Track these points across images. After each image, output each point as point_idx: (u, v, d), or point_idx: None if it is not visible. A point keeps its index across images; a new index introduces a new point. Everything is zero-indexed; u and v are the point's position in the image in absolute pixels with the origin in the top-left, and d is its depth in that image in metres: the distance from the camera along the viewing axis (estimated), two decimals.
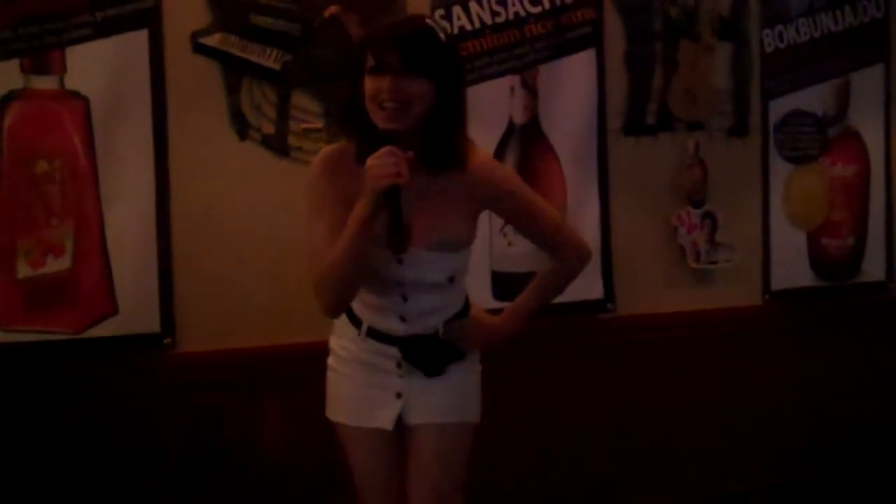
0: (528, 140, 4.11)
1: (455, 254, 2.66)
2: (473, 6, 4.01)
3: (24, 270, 3.38)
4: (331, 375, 2.80)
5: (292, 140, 3.73)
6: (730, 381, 4.47)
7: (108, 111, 3.45)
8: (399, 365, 2.68)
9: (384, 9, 3.80)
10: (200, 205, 3.59)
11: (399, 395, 2.69)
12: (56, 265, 3.41)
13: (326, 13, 3.74)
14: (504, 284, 3.94)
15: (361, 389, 2.72)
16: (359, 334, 2.70)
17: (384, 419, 2.70)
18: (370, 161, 2.39)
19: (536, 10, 4.11)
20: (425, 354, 2.68)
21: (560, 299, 4.06)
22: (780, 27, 4.62)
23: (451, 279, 2.67)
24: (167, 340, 3.56)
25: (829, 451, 4.67)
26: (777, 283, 4.66)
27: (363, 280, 2.56)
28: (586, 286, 4.20)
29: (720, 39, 4.50)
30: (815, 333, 4.67)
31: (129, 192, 3.50)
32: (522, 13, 4.10)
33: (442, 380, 2.71)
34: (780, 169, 4.65)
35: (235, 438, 3.61)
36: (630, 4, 4.31)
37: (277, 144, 3.72)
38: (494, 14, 4.05)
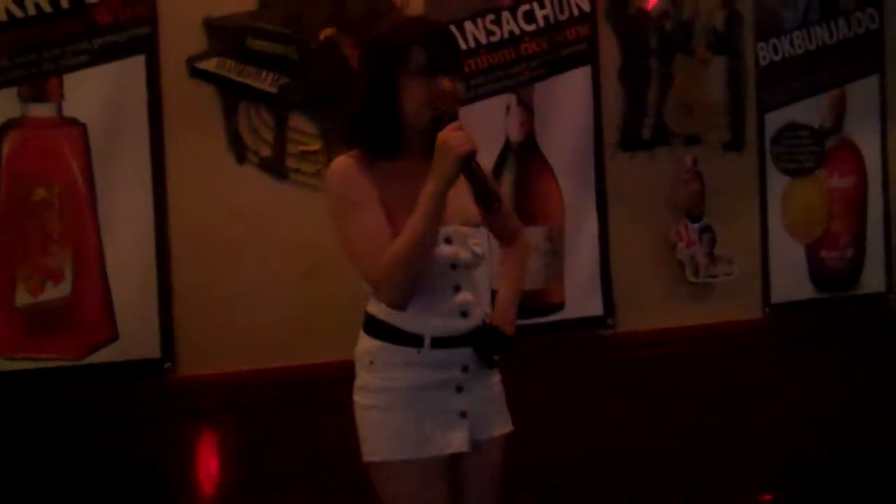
0: (524, 157, 4.12)
1: (478, 229, 2.69)
2: (468, 25, 4.02)
3: (23, 298, 3.39)
4: (372, 414, 2.62)
5: (290, 162, 3.74)
6: (731, 395, 4.46)
7: (106, 137, 3.47)
8: (465, 368, 2.62)
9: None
10: (199, 229, 3.60)
11: (463, 414, 2.62)
12: (55, 292, 3.42)
13: (322, 36, 3.76)
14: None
15: (421, 419, 2.58)
16: (419, 352, 2.58)
17: (459, 441, 2.61)
18: (443, 135, 2.42)
19: (531, 28, 4.13)
20: (491, 344, 2.66)
21: (560, 316, 4.14)
22: (774, 40, 4.64)
23: (483, 254, 2.68)
24: (168, 365, 3.57)
25: (830, 463, 4.66)
26: (777, 296, 4.66)
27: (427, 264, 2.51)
28: (586, 303, 4.22)
29: (715, 53, 4.52)
30: (815, 346, 4.66)
31: (127, 218, 3.52)
32: (517, 31, 4.11)
33: (488, 390, 2.69)
34: (778, 181, 4.66)
35: (237, 462, 3.61)
36: (624, 20, 4.33)
37: (276, 167, 3.73)
38: (489, 33, 4.07)
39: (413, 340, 2.59)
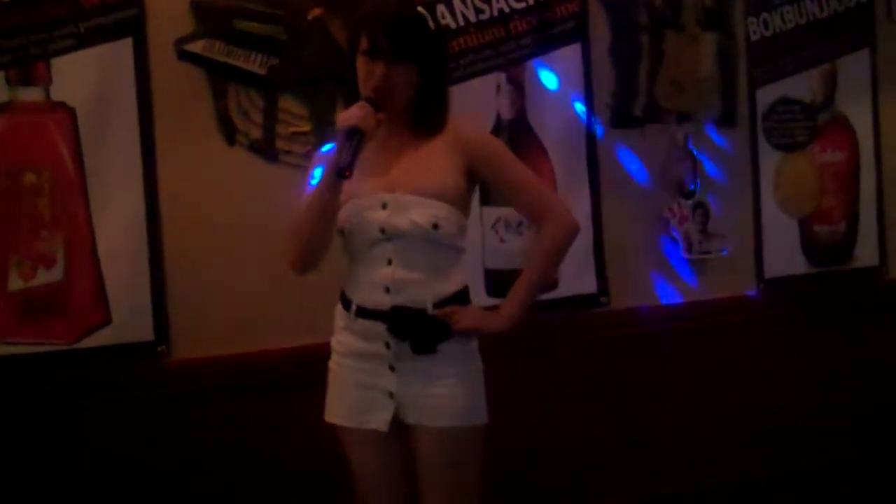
0: (516, 136, 4.11)
1: (439, 201, 2.62)
2: (457, 4, 4.01)
3: (15, 283, 3.38)
4: (329, 377, 2.77)
5: (280, 144, 3.73)
6: (726, 371, 4.46)
7: (94, 121, 3.45)
8: (388, 346, 2.64)
9: None
10: (190, 211, 3.59)
11: (391, 395, 2.65)
12: (47, 277, 3.41)
13: (310, 16, 3.74)
14: (497, 281, 3.94)
15: (354, 390, 2.70)
16: (349, 316, 2.68)
17: (378, 421, 2.66)
18: (349, 108, 2.55)
19: (521, 5, 4.11)
20: (411, 328, 2.62)
21: (553, 294, 4.13)
22: (764, 15, 4.63)
23: (436, 226, 2.60)
24: (161, 348, 3.56)
25: (826, 438, 4.66)
26: (770, 272, 4.67)
27: (329, 228, 2.61)
28: (579, 280, 4.22)
29: (705, 29, 4.51)
30: (810, 320, 4.67)
31: (118, 201, 3.50)
32: (507, 9, 4.10)
33: (440, 380, 2.66)
34: (770, 157, 4.66)
35: (232, 445, 3.60)
36: None
37: (266, 149, 3.72)
38: (479, 11, 4.05)
39: (346, 304, 2.71)
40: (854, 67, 4.84)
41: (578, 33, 4.24)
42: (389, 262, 2.62)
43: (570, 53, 4.23)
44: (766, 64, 4.64)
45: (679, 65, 4.45)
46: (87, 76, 3.45)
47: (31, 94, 3.41)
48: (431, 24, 2.65)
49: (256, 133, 3.70)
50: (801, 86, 4.73)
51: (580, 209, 4.20)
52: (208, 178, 3.63)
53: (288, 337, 3.66)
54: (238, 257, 3.64)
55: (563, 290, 4.19)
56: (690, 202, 4.43)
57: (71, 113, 3.43)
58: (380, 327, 2.64)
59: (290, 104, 3.74)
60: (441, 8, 3.95)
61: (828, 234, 4.82)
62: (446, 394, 2.66)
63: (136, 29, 3.52)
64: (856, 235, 4.89)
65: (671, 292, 4.44)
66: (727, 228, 4.51)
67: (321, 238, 2.62)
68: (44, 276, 3.40)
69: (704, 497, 4.43)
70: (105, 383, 3.47)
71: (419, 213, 2.59)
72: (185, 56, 3.61)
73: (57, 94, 3.42)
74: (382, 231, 2.61)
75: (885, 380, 4.79)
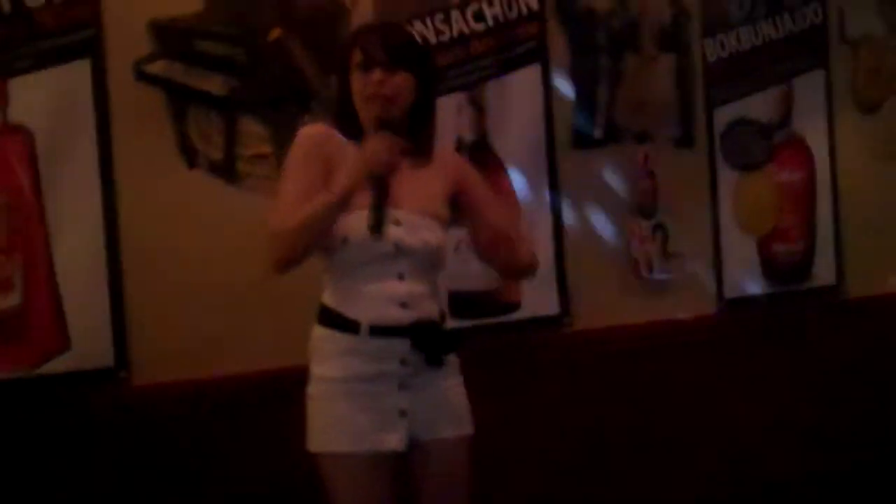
0: (477, 157, 4.09)
1: (439, 224, 2.67)
2: (418, 25, 4.00)
3: None
4: (316, 404, 2.65)
5: (241, 166, 3.69)
6: (687, 390, 4.47)
7: (52, 143, 3.39)
8: (404, 362, 2.60)
9: (327, 31, 3.79)
10: (150, 235, 3.54)
11: (403, 413, 2.60)
12: (5, 302, 3.33)
13: (270, 37, 3.72)
14: (462, 303, 3.92)
15: (360, 415, 2.59)
16: (356, 339, 2.59)
17: (395, 441, 2.60)
18: (371, 143, 2.54)
19: (480, 27, 4.12)
20: (432, 341, 2.63)
21: (516, 316, 4.13)
22: (721, 36, 4.68)
23: (440, 249, 2.67)
24: (122, 374, 3.50)
25: (785, 457, 4.68)
26: (730, 292, 4.70)
27: (323, 241, 2.57)
28: (542, 302, 4.21)
29: (663, 50, 4.54)
30: (769, 339, 4.70)
31: (76, 225, 3.44)
32: (466, 31, 4.11)
33: (438, 393, 2.66)
34: (728, 177, 4.70)
35: (194, 471, 3.55)
36: (573, 19, 4.34)
37: (226, 171, 3.68)
38: (439, 33, 4.06)
39: (351, 326, 2.60)
40: (809, 88, 4.92)
41: (538, 55, 4.26)
42: (401, 278, 2.61)
43: (530, 75, 4.24)
44: (724, 84, 4.69)
45: (637, 86, 4.48)
46: (44, 97, 3.39)
47: None
48: (418, 38, 2.76)
49: (217, 155, 3.66)
50: (758, 106, 4.78)
51: (542, 230, 4.21)
52: (168, 200, 3.58)
53: (251, 361, 3.61)
54: (199, 281, 3.59)
55: (526, 311, 4.19)
56: (650, 223, 4.45)
57: (28, 135, 3.37)
58: (397, 344, 2.60)
59: (250, 126, 3.71)
60: (402, 27, 3.93)
61: (786, 254, 4.86)
62: (445, 404, 2.68)
63: (94, 49, 3.46)
64: (813, 254, 4.94)
65: (632, 312, 4.44)
66: (687, 249, 4.53)
67: (317, 245, 2.59)
68: (1, 302, 3.34)
69: None
70: (65, 411, 3.41)
71: (430, 232, 2.64)
72: (143, 77, 3.56)
73: (14, 115, 3.36)
74: (396, 247, 2.59)
75: (842, 398, 4.83)
